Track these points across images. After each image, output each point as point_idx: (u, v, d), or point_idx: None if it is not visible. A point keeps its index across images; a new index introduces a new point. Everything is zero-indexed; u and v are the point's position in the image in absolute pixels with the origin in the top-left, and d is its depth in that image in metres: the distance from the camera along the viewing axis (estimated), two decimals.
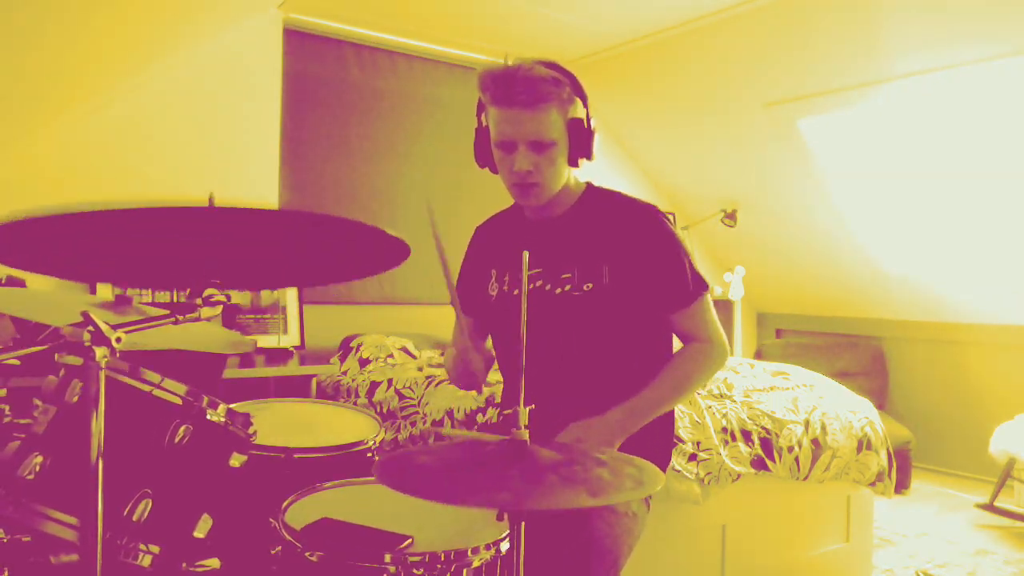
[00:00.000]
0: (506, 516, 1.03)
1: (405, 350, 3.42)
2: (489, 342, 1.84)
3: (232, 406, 1.31)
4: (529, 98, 1.46)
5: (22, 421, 1.30)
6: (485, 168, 1.64)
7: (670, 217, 1.66)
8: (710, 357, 1.60)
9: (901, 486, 3.99)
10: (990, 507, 3.67)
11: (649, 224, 1.60)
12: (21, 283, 2.66)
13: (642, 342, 1.63)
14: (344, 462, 1.60)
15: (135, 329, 1.06)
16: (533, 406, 1.05)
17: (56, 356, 1.18)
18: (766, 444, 2.38)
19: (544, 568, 1.32)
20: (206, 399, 1.25)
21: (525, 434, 1.02)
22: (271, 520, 1.28)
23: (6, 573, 1.25)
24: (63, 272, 1.38)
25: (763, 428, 2.40)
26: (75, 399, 1.16)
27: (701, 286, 1.60)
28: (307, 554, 1.15)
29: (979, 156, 3.62)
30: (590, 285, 1.56)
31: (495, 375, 2.19)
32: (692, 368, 1.59)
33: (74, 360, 1.18)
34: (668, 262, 1.58)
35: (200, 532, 1.22)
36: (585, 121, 1.54)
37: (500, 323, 1.71)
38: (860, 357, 4.79)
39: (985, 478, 4.12)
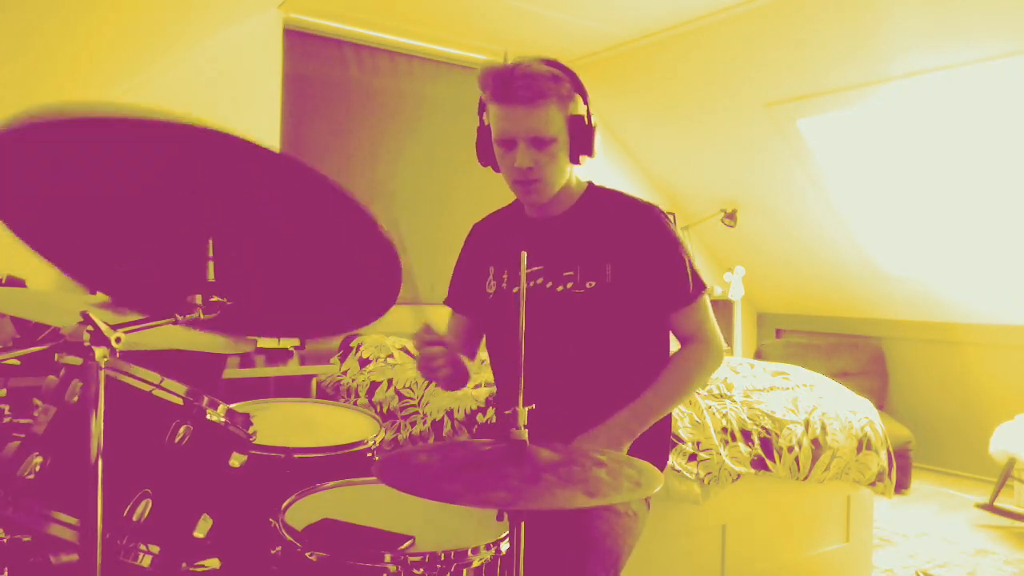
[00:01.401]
0: (506, 516, 1.03)
1: (405, 350, 3.42)
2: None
3: (232, 406, 1.31)
4: (528, 94, 1.47)
5: (22, 421, 1.30)
6: (488, 167, 1.64)
7: (671, 217, 1.67)
8: (708, 358, 1.62)
9: (901, 486, 3.99)
10: (990, 507, 3.67)
11: (651, 223, 1.60)
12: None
13: (642, 341, 1.63)
14: (344, 462, 1.60)
15: (135, 329, 1.05)
16: (533, 406, 1.05)
17: (56, 356, 1.17)
18: (766, 444, 2.38)
19: (544, 568, 1.32)
20: (206, 399, 1.25)
21: (524, 434, 1.02)
22: (271, 520, 1.28)
23: (6, 573, 1.25)
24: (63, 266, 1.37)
25: (763, 428, 2.40)
26: (75, 399, 1.16)
27: (700, 287, 1.61)
28: (307, 554, 1.15)
29: (979, 156, 3.62)
30: (592, 283, 1.56)
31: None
32: (691, 370, 1.60)
33: (74, 360, 1.18)
34: (669, 261, 1.59)
35: (200, 532, 1.22)
36: (586, 118, 1.54)
37: (497, 321, 1.70)
38: (860, 357, 4.78)
39: (985, 478, 4.12)
